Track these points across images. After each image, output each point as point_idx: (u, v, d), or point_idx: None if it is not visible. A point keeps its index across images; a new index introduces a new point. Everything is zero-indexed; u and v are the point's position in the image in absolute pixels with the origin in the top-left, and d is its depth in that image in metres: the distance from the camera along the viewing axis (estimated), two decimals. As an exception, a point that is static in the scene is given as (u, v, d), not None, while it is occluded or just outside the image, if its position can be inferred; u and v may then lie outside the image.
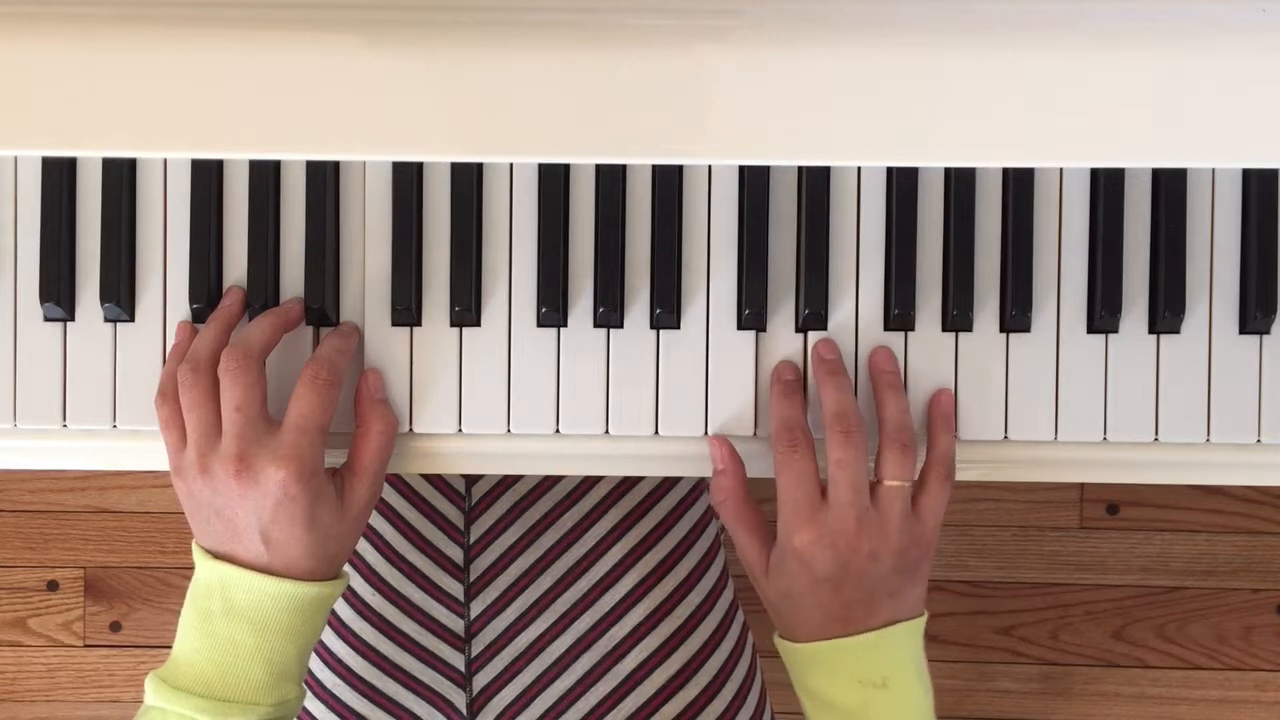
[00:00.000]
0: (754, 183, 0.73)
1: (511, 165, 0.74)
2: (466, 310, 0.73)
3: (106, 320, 0.74)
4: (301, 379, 0.70)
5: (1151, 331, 0.74)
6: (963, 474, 0.74)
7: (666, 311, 0.73)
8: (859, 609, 0.70)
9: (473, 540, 0.91)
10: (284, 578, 0.69)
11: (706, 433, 0.74)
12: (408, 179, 0.73)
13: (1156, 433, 0.74)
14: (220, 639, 0.69)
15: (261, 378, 0.70)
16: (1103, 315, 0.73)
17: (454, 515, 0.91)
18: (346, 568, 0.74)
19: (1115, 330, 0.74)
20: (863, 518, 0.69)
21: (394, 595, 0.91)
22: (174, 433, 0.70)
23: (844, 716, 0.70)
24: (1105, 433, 0.74)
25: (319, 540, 0.69)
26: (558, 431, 0.74)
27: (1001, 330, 0.74)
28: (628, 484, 0.93)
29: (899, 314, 0.73)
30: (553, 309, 0.73)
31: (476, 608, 0.90)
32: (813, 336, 0.74)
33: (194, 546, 0.71)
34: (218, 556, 0.70)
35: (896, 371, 0.73)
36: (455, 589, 0.90)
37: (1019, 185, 0.73)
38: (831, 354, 0.73)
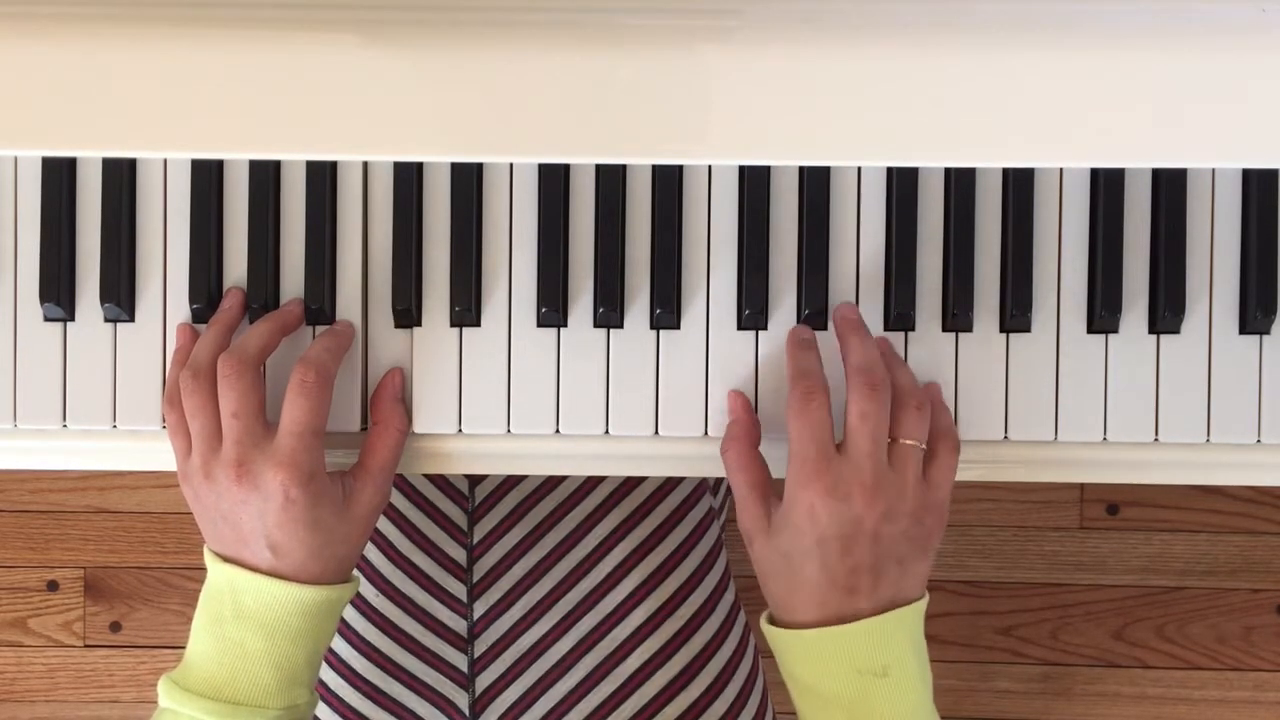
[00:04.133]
0: (754, 183, 0.73)
1: (511, 165, 0.74)
2: (466, 310, 0.73)
3: (106, 320, 0.74)
4: (290, 384, 0.69)
5: (1151, 331, 0.74)
6: (963, 474, 0.73)
7: (666, 311, 0.73)
8: (865, 577, 0.67)
9: (476, 541, 0.91)
10: (291, 581, 0.69)
11: (707, 433, 0.74)
12: (408, 179, 0.73)
13: (1156, 433, 0.74)
14: (230, 642, 0.69)
15: (258, 382, 0.69)
16: (1103, 315, 0.73)
17: (457, 516, 0.91)
18: (355, 572, 0.74)
19: (1115, 330, 0.74)
20: (880, 472, 0.67)
21: (397, 596, 0.91)
22: (180, 439, 0.71)
23: (839, 708, 0.67)
24: (1105, 433, 0.74)
25: (324, 543, 0.69)
26: (558, 432, 0.74)
27: (1001, 330, 0.74)
28: (630, 485, 0.92)
29: (899, 314, 0.73)
30: (553, 309, 0.73)
31: (479, 608, 0.90)
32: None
33: (205, 550, 0.72)
34: (227, 560, 0.70)
35: (894, 356, 0.73)
36: (458, 590, 0.90)
37: (1019, 185, 0.73)
38: (854, 314, 0.72)
